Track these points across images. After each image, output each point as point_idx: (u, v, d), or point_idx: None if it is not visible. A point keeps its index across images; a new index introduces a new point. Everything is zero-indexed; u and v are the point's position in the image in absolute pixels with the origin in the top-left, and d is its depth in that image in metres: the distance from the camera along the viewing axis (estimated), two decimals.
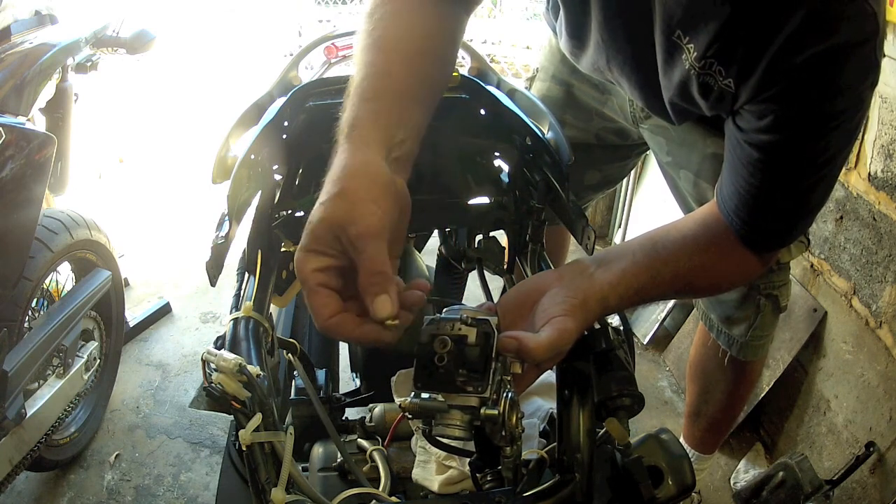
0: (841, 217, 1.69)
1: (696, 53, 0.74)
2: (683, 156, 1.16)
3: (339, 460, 0.82)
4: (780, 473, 1.64)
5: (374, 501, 0.68)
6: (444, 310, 0.65)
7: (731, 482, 1.86)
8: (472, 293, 1.37)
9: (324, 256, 0.58)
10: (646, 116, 1.20)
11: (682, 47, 0.76)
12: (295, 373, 0.99)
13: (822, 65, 0.66)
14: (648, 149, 1.36)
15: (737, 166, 0.77)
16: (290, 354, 0.92)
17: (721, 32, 0.71)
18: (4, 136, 1.24)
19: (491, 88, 1.01)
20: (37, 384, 1.55)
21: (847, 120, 0.71)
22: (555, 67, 1.33)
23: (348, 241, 0.58)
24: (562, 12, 0.99)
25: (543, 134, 0.90)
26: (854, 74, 0.67)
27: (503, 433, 0.61)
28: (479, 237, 1.09)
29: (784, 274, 1.30)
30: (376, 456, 0.82)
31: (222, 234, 0.81)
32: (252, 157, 0.85)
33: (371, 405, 0.94)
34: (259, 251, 0.87)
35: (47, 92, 1.59)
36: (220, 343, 0.73)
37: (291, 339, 0.92)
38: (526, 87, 1.39)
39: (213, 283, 0.81)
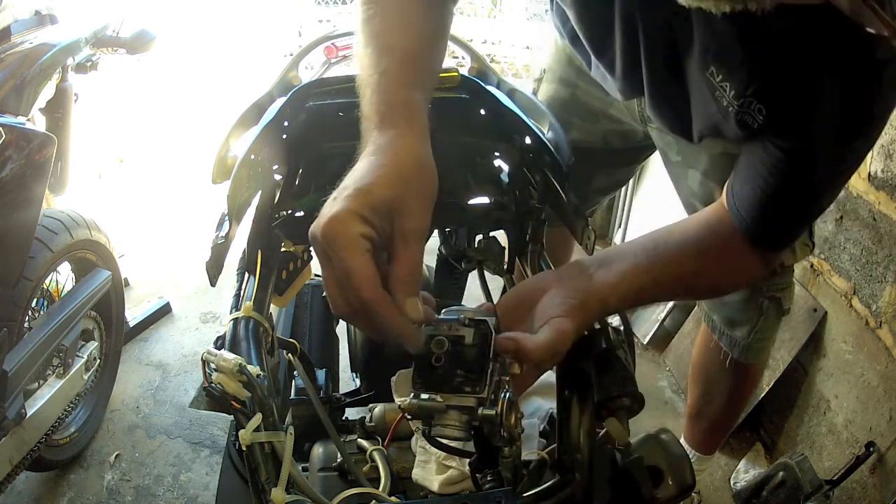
0: (841, 217, 1.69)
1: (733, 92, 0.74)
2: (692, 155, 1.15)
3: (339, 460, 0.82)
4: (780, 473, 1.64)
5: (373, 501, 0.68)
6: (443, 311, 0.65)
7: (731, 482, 1.86)
8: (472, 293, 1.37)
9: (369, 227, 0.55)
10: None
11: (716, 85, 0.75)
12: (295, 373, 0.99)
13: (859, 84, 0.67)
14: (655, 150, 1.36)
15: (757, 166, 0.77)
16: (290, 354, 0.92)
17: (759, 72, 0.71)
18: (4, 136, 1.24)
19: (491, 88, 1.01)
20: (37, 384, 1.55)
21: (875, 129, 0.73)
22: (561, 69, 1.32)
23: (400, 231, 0.56)
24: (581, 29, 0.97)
25: (543, 134, 0.90)
26: (886, 88, 0.68)
27: (501, 433, 0.61)
28: (479, 237, 1.09)
29: (787, 276, 1.30)
30: (376, 456, 0.82)
31: (222, 234, 0.81)
32: (252, 157, 0.85)
33: (371, 405, 0.94)
34: (259, 251, 0.86)
35: (47, 92, 1.59)
36: (220, 343, 0.73)
37: (291, 339, 0.92)
38: (533, 90, 1.38)
39: (213, 283, 0.81)
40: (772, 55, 0.69)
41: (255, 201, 0.92)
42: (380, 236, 0.56)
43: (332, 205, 0.55)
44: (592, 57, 0.97)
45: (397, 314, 0.55)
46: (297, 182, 1.01)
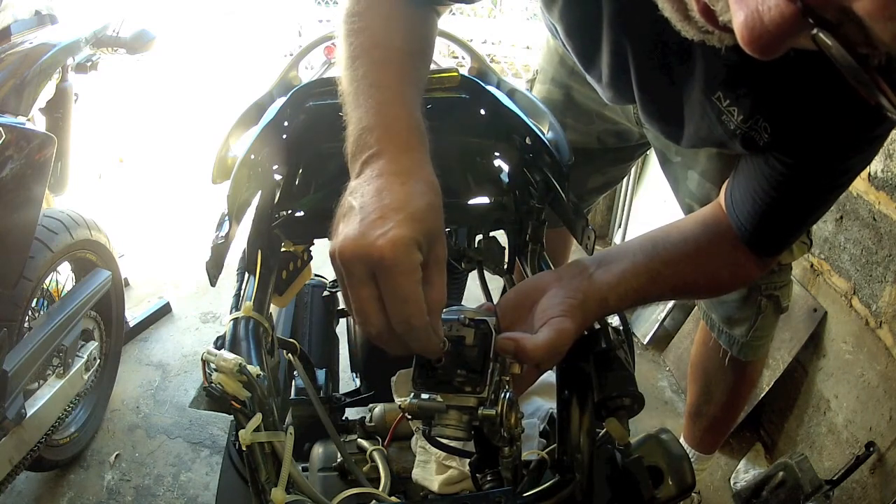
0: (841, 217, 1.69)
1: (741, 117, 0.74)
2: (691, 155, 1.16)
3: (339, 460, 0.82)
4: (780, 473, 1.64)
5: (374, 501, 0.68)
6: (444, 311, 0.65)
7: (731, 482, 1.86)
8: (472, 293, 1.37)
9: (421, 256, 0.55)
10: None
11: (723, 109, 0.75)
12: (295, 373, 0.99)
13: (865, 106, 0.67)
14: (649, 148, 1.36)
15: (757, 176, 0.77)
16: (290, 354, 0.92)
17: (767, 96, 0.71)
18: (4, 136, 1.24)
19: (491, 88, 1.01)
20: (37, 384, 1.55)
21: (877, 146, 0.74)
22: (553, 70, 1.32)
23: (435, 257, 0.57)
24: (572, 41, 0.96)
25: (543, 134, 0.90)
26: None
27: (502, 433, 0.61)
28: (479, 237, 1.09)
29: (785, 275, 1.30)
30: (376, 456, 0.82)
31: (222, 234, 0.81)
32: (252, 157, 0.85)
33: (371, 405, 0.94)
34: (259, 251, 0.86)
35: (47, 92, 1.59)
36: (220, 343, 0.73)
37: (291, 339, 0.92)
38: (527, 90, 1.39)
39: (213, 283, 0.81)
40: (780, 80, 0.69)
41: (255, 201, 0.91)
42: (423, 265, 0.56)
43: (382, 224, 0.53)
44: (583, 69, 0.97)
45: (433, 336, 0.57)
46: (297, 182, 1.01)
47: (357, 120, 0.64)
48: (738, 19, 0.40)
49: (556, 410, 0.74)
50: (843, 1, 0.35)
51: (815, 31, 0.37)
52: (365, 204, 0.56)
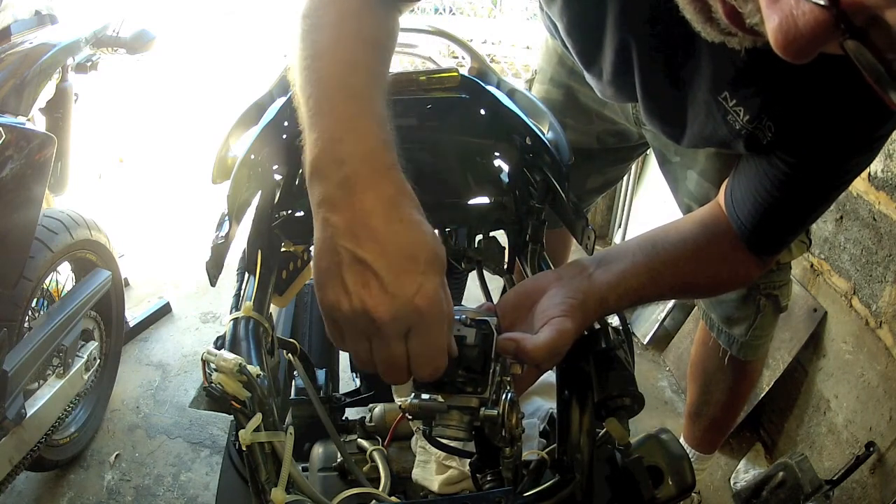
0: (841, 217, 1.69)
1: (747, 117, 0.74)
2: (690, 155, 1.16)
3: (339, 460, 0.82)
4: (780, 473, 1.64)
5: (374, 501, 0.68)
6: None
7: (731, 482, 1.86)
8: (473, 293, 1.37)
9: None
10: None
11: (729, 109, 0.75)
12: (295, 373, 0.98)
13: (871, 106, 0.67)
14: (648, 148, 1.36)
15: (759, 175, 0.78)
16: (290, 354, 0.92)
17: (774, 96, 0.71)
18: (4, 136, 1.24)
19: (491, 88, 1.01)
20: (37, 384, 1.55)
21: (882, 141, 0.74)
22: (552, 70, 1.32)
23: None
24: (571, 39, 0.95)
25: (543, 134, 0.90)
26: None
27: (503, 434, 0.61)
28: (479, 237, 1.09)
29: (784, 274, 1.30)
30: (376, 456, 0.82)
31: (222, 234, 0.81)
32: (252, 157, 0.85)
33: (371, 405, 0.94)
34: (259, 251, 0.86)
35: (47, 92, 1.59)
36: (220, 343, 0.73)
37: (291, 339, 0.92)
38: (525, 89, 1.39)
39: (213, 283, 0.81)
40: (788, 80, 0.69)
41: (255, 201, 0.91)
42: None
43: (411, 279, 0.52)
44: (582, 68, 0.97)
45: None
46: (297, 182, 1.01)
47: (322, 129, 0.58)
48: (771, 24, 0.40)
49: (556, 410, 0.74)
50: (874, 9, 0.36)
51: (845, 37, 0.37)
52: (376, 256, 0.52)
